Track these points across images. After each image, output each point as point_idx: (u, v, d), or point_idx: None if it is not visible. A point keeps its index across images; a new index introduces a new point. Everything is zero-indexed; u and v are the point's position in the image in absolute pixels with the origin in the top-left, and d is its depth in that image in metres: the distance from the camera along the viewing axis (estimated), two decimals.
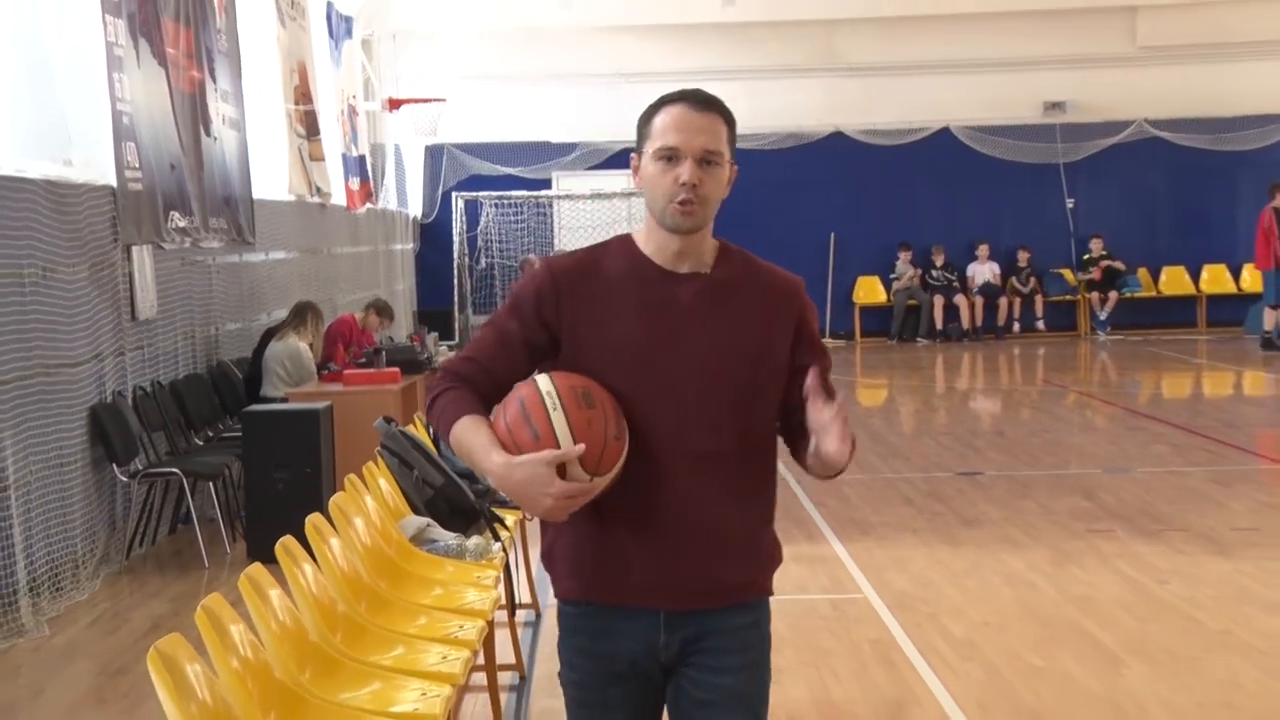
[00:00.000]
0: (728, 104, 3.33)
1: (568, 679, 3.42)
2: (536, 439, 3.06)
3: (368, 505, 6.30)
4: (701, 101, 3.25)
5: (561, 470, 3.05)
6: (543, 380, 3.14)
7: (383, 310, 14.40)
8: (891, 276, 24.59)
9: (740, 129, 3.43)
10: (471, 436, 3.17)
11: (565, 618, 3.40)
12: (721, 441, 3.23)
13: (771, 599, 3.45)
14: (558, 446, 3.04)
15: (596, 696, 3.37)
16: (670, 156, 3.20)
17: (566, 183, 24.95)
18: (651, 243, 3.29)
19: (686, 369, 3.21)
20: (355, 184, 19.41)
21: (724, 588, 3.30)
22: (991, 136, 24.77)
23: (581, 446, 3.04)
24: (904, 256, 24.46)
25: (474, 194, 24.25)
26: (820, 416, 3.13)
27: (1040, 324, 24.54)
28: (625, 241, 3.35)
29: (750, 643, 3.36)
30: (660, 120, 3.24)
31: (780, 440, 3.41)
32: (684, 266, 3.28)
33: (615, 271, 3.29)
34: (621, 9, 23.19)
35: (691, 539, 3.23)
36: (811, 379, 3.15)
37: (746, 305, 3.29)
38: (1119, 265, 24.27)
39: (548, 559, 3.39)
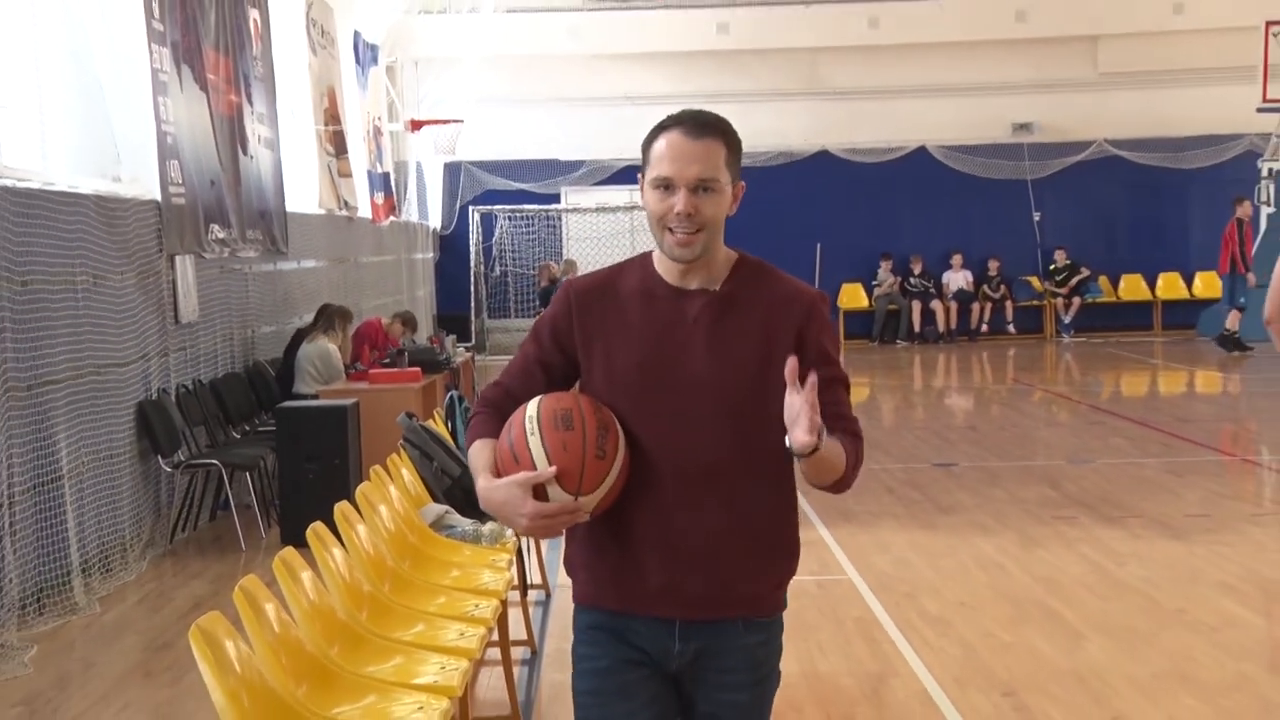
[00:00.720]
0: None
1: (584, 670, 3.17)
2: (517, 462, 2.93)
3: (391, 494, 6.30)
4: (698, 126, 3.00)
5: (542, 492, 2.91)
6: (531, 405, 2.99)
7: (408, 321, 14.48)
8: (874, 283, 24.57)
9: None
10: (475, 459, 3.05)
11: (582, 617, 3.19)
12: (721, 455, 3.02)
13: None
14: (534, 469, 2.91)
15: (614, 682, 3.12)
16: (666, 185, 2.97)
17: (574, 197, 24.97)
18: (664, 260, 3.08)
19: (687, 385, 3.02)
20: (380, 198, 19.43)
21: (732, 599, 3.09)
22: (964, 155, 24.76)
23: (552, 470, 2.89)
24: (885, 265, 24.45)
25: (489, 207, 24.37)
26: (790, 403, 2.86)
27: (1010, 327, 24.54)
28: (644, 259, 3.14)
29: (760, 660, 3.16)
30: (657, 147, 3.01)
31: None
32: (693, 283, 3.06)
33: (629, 290, 3.10)
34: (625, 38, 23.26)
35: (695, 551, 3.03)
36: (789, 367, 2.86)
37: (750, 319, 3.05)
38: (1084, 272, 24.32)
39: (569, 566, 3.21)
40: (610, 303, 3.10)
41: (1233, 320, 20.54)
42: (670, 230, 2.99)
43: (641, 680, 3.12)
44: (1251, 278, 20.37)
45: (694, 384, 3.02)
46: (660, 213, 2.99)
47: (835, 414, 3.03)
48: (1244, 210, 20.55)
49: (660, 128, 3.03)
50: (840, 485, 3.05)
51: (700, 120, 3.02)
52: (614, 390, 3.05)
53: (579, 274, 3.29)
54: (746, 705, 3.16)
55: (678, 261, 3.03)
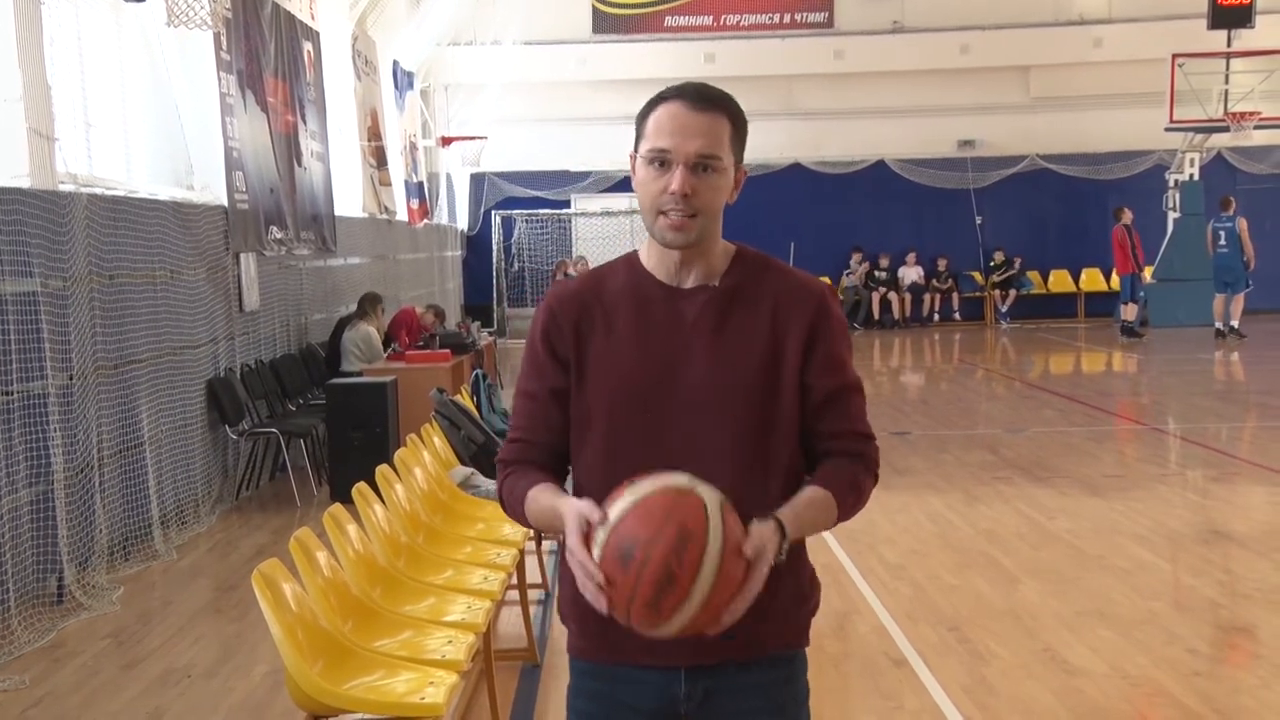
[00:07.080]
0: None
1: None
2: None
3: (424, 458, 6.29)
4: (701, 98, 2.27)
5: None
6: (616, 508, 2.10)
7: (439, 313, 14.51)
8: (846, 272, 24.60)
9: None
10: (541, 501, 2.30)
11: (575, 666, 2.45)
12: (731, 474, 2.18)
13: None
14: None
15: None
16: (662, 161, 2.23)
17: (582, 203, 24.92)
18: (654, 255, 2.34)
19: (690, 396, 2.27)
20: (415, 204, 19.38)
21: (746, 639, 2.26)
22: (917, 167, 24.73)
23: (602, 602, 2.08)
24: (856, 257, 24.58)
25: (509, 212, 24.39)
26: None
27: (956, 315, 24.58)
28: (630, 259, 2.39)
29: (783, 701, 2.40)
30: (654, 119, 2.27)
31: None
32: (690, 280, 2.31)
33: (617, 293, 2.34)
34: (626, 66, 23.20)
35: None
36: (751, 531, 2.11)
37: (756, 317, 2.30)
38: (1017, 262, 24.42)
39: (561, 614, 2.45)
40: (597, 310, 2.34)
41: (1129, 312, 20.67)
42: (663, 213, 2.24)
43: None
44: (1147, 274, 20.57)
45: (694, 395, 2.28)
46: (653, 192, 2.24)
47: (839, 431, 2.38)
48: (1126, 217, 20.59)
49: (659, 98, 2.31)
50: (840, 521, 2.36)
51: (705, 93, 2.29)
52: (607, 415, 2.31)
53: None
54: None
55: (670, 247, 2.28)
